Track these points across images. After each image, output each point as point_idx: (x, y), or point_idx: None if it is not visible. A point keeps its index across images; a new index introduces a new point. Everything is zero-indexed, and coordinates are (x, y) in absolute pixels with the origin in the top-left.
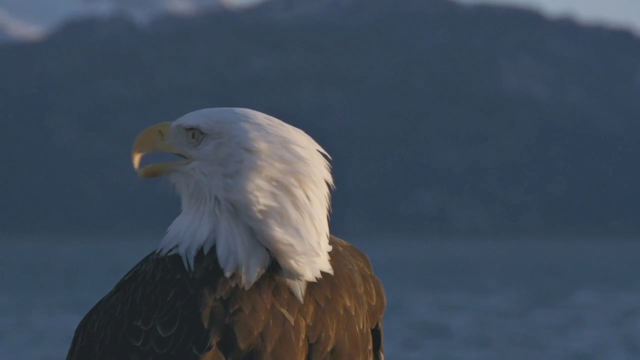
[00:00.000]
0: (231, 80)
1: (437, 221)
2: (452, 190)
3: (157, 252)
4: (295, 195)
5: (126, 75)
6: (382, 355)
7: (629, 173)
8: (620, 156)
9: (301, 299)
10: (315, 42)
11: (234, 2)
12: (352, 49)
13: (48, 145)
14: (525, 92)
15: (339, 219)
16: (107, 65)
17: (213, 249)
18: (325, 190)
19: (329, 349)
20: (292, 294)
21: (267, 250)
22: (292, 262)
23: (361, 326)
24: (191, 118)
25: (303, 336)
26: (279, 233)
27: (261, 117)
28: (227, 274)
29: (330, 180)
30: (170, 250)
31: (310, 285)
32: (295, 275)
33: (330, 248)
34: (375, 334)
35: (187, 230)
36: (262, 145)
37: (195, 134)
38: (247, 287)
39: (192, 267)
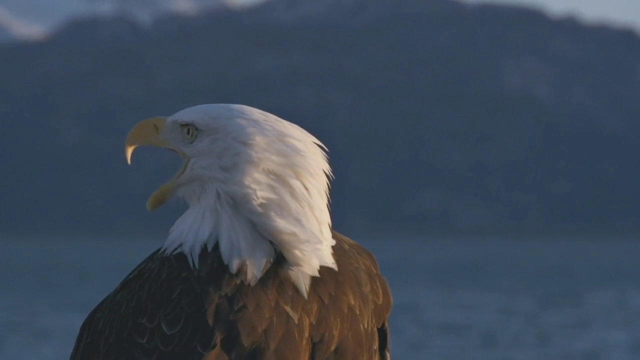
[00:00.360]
0: (234, 79)
1: (440, 221)
2: (455, 190)
3: (161, 251)
4: (293, 187)
5: (129, 75)
6: (388, 355)
7: (632, 173)
8: (624, 156)
9: (305, 295)
10: (318, 42)
11: (236, 1)
12: (355, 48)
13: (51, 145)
14: (528, 92)
15: (342, 218)
16: (110, 65)
17: (216, 246)
18: (324, 180)
19: (332, 348)
20: (296, 290)
21: (271, 243)
22: (296, 252)
23: (366, 325)
24: (187, 114)
25: (307, 334)
26: (280, 224)
27: (257, 113)
28: (233, 270)
29: (328, 170)
30: (175, 249)
31: (314, 280)
32: (301, 265)
33: (334, 242)
34: (382, 333)
35: (190, 229)
36: (258, 139)
37: (190, 130)
38: (252, 283)
39: (197, 265)
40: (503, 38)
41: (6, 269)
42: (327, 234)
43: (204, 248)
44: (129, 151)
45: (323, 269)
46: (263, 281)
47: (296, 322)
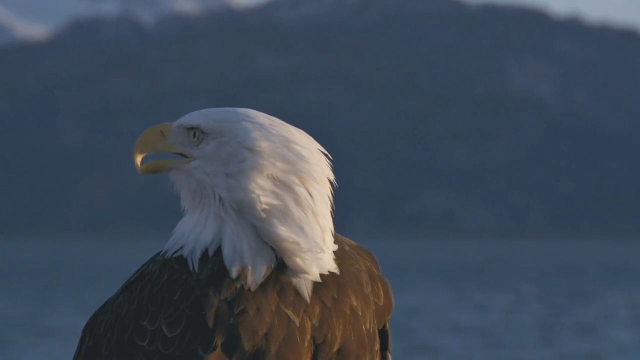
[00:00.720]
0: (237, 80)
1: (443, 221)
2: (458, 191)
3: (162, 253)
4: (298, 194)
5: (132, 76)
6: (389, 356)
7: (636, 173)
8: (627, 156)
9: (308, 299)
10: (321, 42)
11: (239, 2)
12: (358, 49)
13: (54, 146)
14: (531, 92)
15: (344, 219)
16: (113, 66)
17: (218, 251)
18: (328, 188)
19: (335, 349)
20: (298, 295)
21: (273, 250)
22: (298, 260)
23: (368, 326)
24: (192, 118)
25: (309, 337)
26: (283, 231)
27: (262, 117)
28: (234, 275)
29: (332, 178)
30: (176, 252)
31: (316, 285)
32: (302, 274)
33: (336, 247)
34: (383, 334)
35: (192, 232)
36: (264, 145)
37: (196, 133)
38: (253, 288)
39: (197, 269)
40: (506, 38)
41: (7, 269)
42: (329, 242)
43: (205, 252)
44: (139, 160)
45: (325, 274)
46: (264, 286)
47: (298, 325)
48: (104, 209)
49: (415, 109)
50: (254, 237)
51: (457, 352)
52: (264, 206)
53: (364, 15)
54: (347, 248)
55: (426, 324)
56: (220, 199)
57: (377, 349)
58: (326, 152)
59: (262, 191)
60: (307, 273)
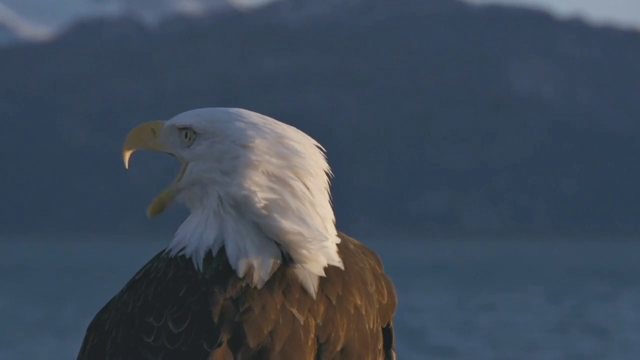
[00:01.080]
0: (240, 80)
1: (446, 222)
2: (462, 191)
3: (166, 252)
4: (294, 187)
5: (135, 76)
6: (393, 354)
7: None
8: (631, 156)
9: (314, 295)
10: (324, 42)
11: (243, 2)
12: (362, 49)
13: (57, 146)
14: (535, 93)
15: (347, 219)
16: (116, 66)
17: (222, 250)
18: (324, 179)
19: (338, 348)
20: (303, 292)
21: (277, 245)
22: (304, 251)
23: (371, 325)
24: (184, 118)
25: (313, 335)
26: (285, 224)
27: (255, 116)
28: (240, 274)
29: (327, 169)
30: (179, 252)
31: (322, 280)
32: (309, 264)
33: (339, 240)
34: (387, 332)
35: (193, 233)
36: (257, 142)
37: (188, 134)
38: (259, 285)
39: (201, 268)
40: (509, 39)
41: (9, 269)
42: (331, 230)
43: (208, 252)
44: (127, 155)
45: (330, 269)
46: (269, 284)
47: (302, 323)
48: (106, 209)
49: (418, 109)
50: (257, 234)
51: (463, 352)
52: (262, 202)
53: (368, 16)
54: (351, 246)
55: (429, 323)
56: (219, 195)
57: (379, 347)
58: (320, 146)
59: (257, 187)
60: (313, 262)
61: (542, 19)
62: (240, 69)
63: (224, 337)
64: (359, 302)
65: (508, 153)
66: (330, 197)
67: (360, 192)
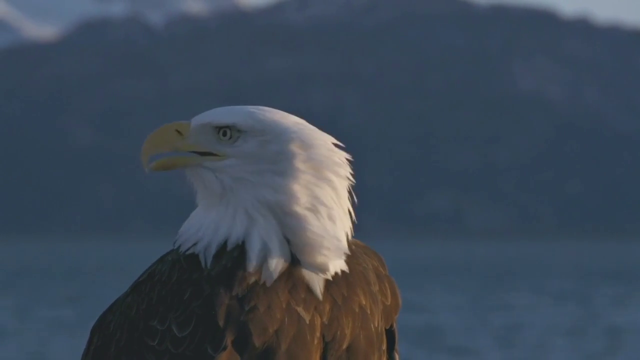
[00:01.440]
0: (245, 80)
1: (451, 222)
2: (467, 191)
3: (174, 243)
4: (329, 193)
5: (141, 76)
6: (396, 356)
7: None
8: (636, 156)
9: (320, 296)
10: (329, 42)
11: (248, 3)
12: (366, 49)
13: (62, 146)
14: (540, 93)
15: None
16: (122, 67)
17: (235, 247)
18: (348, 189)
19: (344, 347)
20: (308, 291)
21: (288, 245)
22: (319, 256)
23: (376, 325)
24: (223, 116)
25: (318, 334)
26: (314, 228)
27: (294, 118)
28: (250, 271)
29: (352, 180)
30: (188, 249)
31: (327, 282)
32: (319, 270)
33: (347, 249)
34: (390, 334)
35: (208, 228)
36: (305, 144)
37: (228, 132)
38: (268, 283)
39: (209, 265)
40: (515, 39)
41: (13, 269)
42: (346, 241)
43: (221, 248)
44: (146, 159)
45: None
46: (275, 283)
47: (307, 322)
48: (112, 209)
49: (423, 110)
50: (279, 233)
51: (471, 352)
52: (301, 204)
53: (372, 16)
54: (355, 247)
55: (435, 323)
56: (256, 196)
57: (384, 348)
58: (349, 156)
59: (303, 189)
60: (323, 269)
61: (548, 19)
62: (246, 69)
63: (229, 338)
64: (363, 302)
65: (513, 153)
66: (351, 208)
67: (365, 192)
